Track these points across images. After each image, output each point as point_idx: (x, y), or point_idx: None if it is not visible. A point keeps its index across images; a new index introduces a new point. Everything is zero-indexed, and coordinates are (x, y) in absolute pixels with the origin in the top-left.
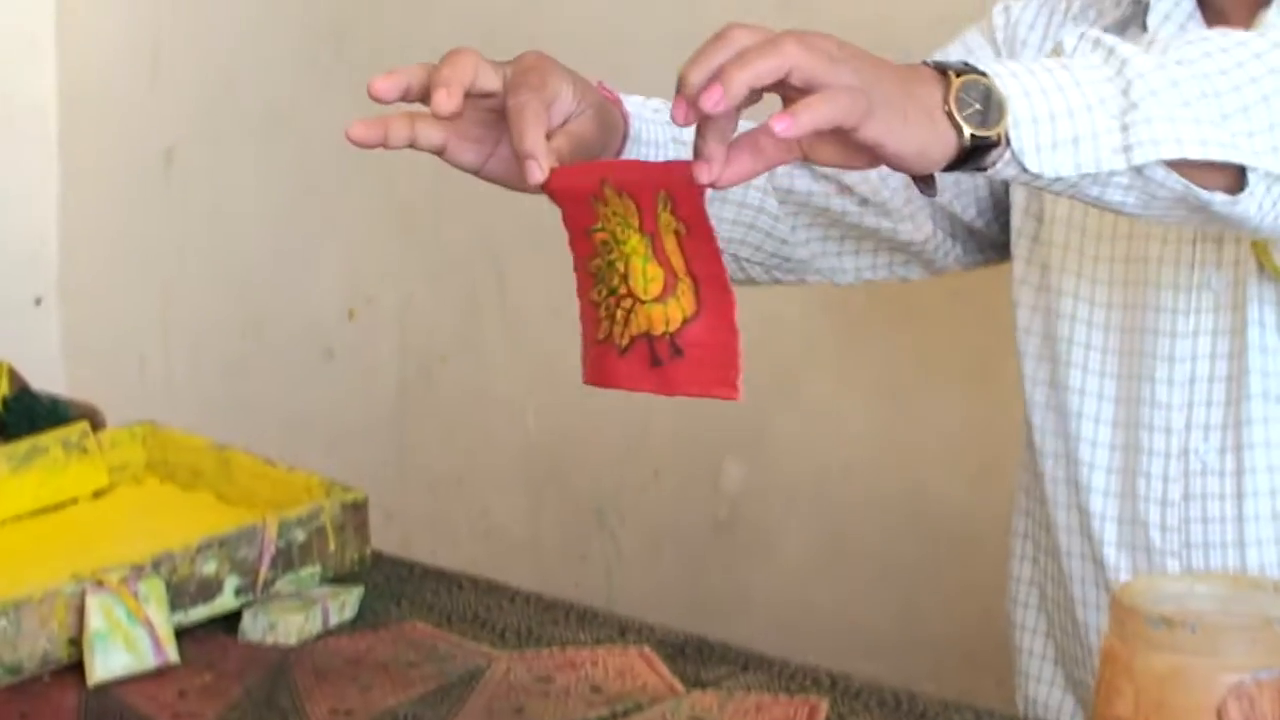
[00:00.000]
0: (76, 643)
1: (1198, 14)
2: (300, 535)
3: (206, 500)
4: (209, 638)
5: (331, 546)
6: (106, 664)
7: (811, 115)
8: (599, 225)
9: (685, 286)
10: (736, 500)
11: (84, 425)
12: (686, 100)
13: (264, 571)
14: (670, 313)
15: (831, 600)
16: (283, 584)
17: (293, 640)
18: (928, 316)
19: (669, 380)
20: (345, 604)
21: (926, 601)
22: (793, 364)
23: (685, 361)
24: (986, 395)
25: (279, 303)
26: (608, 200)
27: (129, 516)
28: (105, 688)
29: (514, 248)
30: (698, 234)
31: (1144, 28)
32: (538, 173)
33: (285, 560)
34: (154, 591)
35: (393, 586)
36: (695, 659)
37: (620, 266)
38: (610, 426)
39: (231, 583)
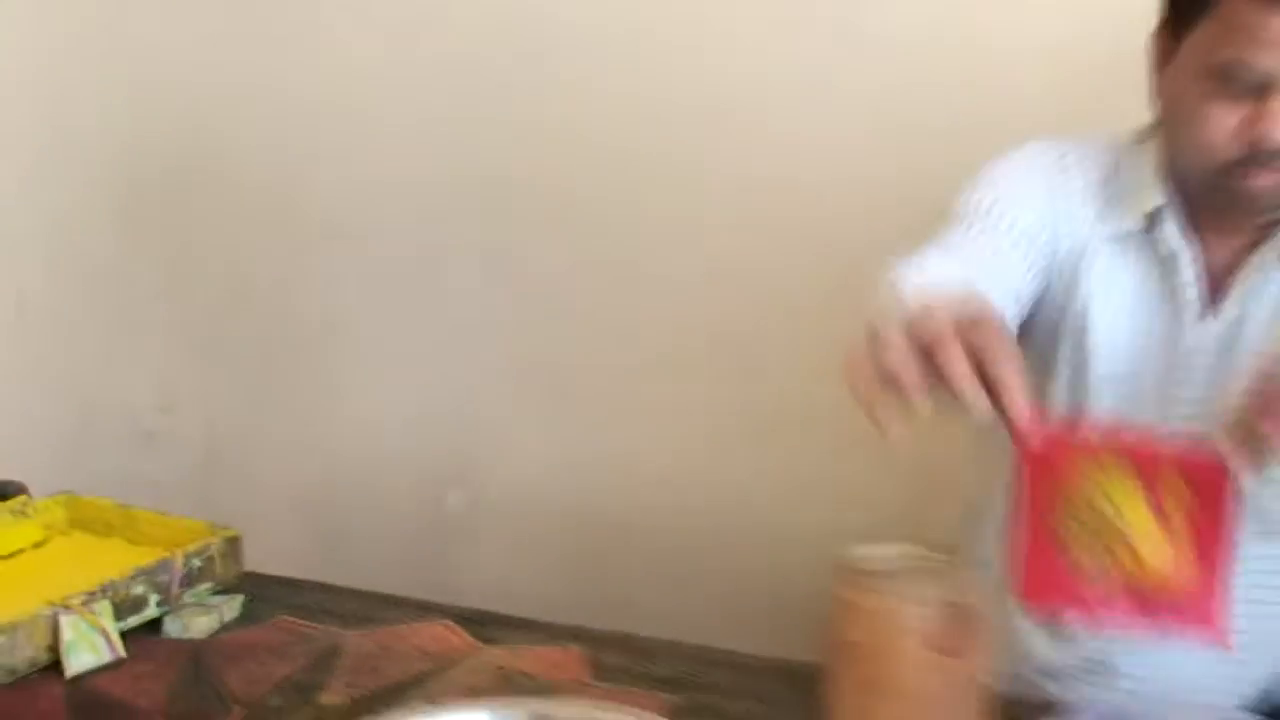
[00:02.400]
0: (54, 649)
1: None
2: (198, 562)
3: (119, 544)
4: (143, 638)
5: (219, 569)
6: (78, 662)
7: None
8: (1088, 485)
9: (1186, 556)
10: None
11: (24, 496)
12: None
13: (175, 589)
14: (1167, 574)
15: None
16: (188, 597)
17: (201, 635)
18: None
19: (1159, 622)
20: (233, 607)
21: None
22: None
23: (1176, 610)
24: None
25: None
26: (1104, 466)
27: (63, 559)
28: (79, 679)
29: None
30: (1211, 516)
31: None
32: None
33: (189, 580)
34: (105, 609)
35: (263, 593)
36: (483, 626)
37: (1118, 528)
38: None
39: (154, 598)
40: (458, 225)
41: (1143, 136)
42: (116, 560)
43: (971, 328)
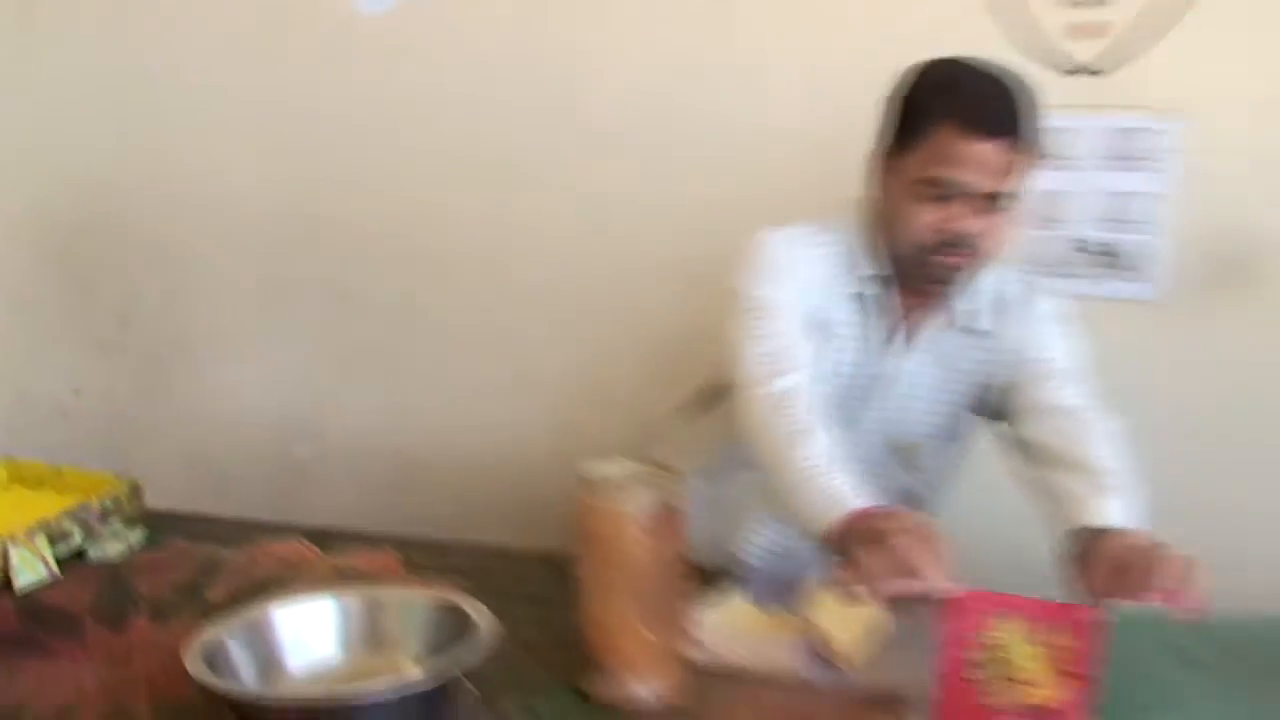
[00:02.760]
0: (5, 572)
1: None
2: (110, 504)
3: (50, 494)
4: (73, 562)
5: (126, 508)
6: (24, 581)
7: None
8: (991, 633)
9: (1053, 681)
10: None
11: None
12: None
13: (95, 524)
14: (1044, 694)
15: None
16: (105, 530)
17: (116, 557)
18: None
19: None
20: (139, 536)
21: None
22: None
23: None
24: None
25: None
26: (1003, 620)
27: (8, 507)
28: (26, 594)
29: None
30: (1080, 649)
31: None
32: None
33: (104, 517)
34: (43, 541)
35: (160, 524)
36: (325, 540)
37: (1010, 663)
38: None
39: (79, 532)
40: (303, 251)
41: (859, 217)
42: (49, 505)
43: (901, 535)
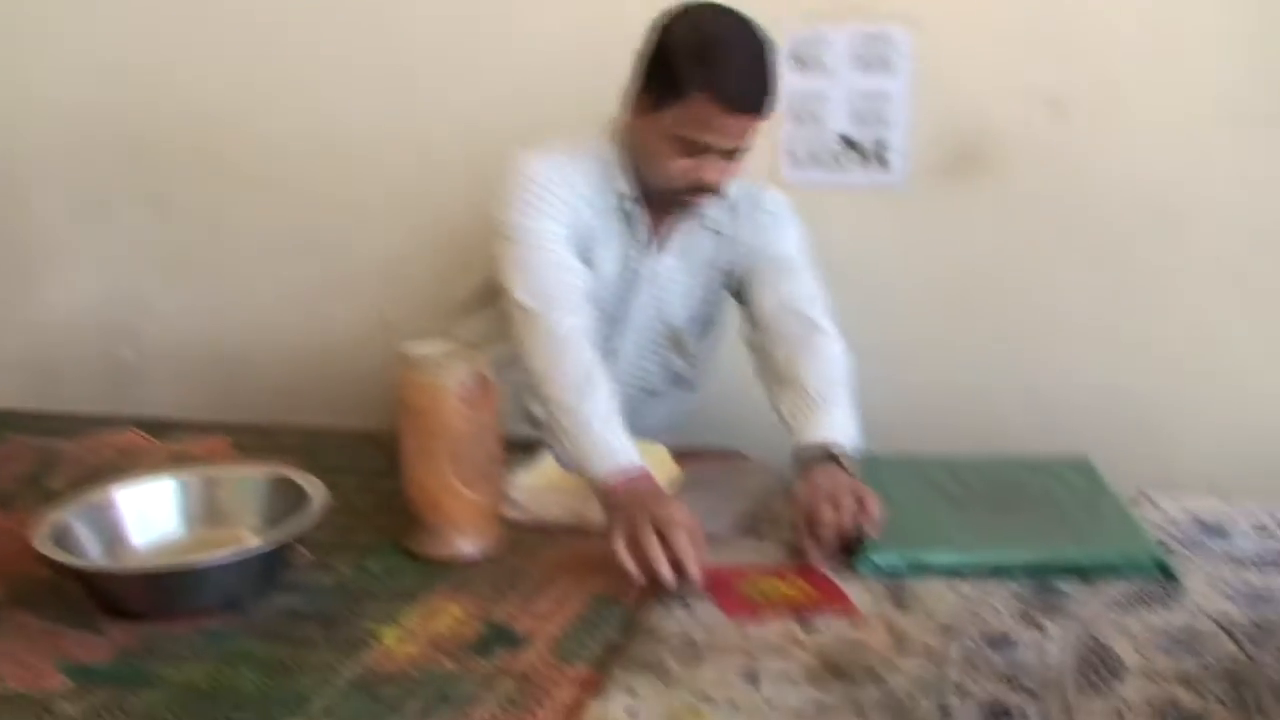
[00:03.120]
0: None
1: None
2: None
3: None
4: None
5: None
6: None
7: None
8: (749, 582)
9: (809, 589)
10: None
11: None
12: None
13: None
14: (803, 598)
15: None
16: None
17: None
18: None
19: (810, 611)
20: None
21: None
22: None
23: (820, 605)
24: None
25: None
26: (751, 578)
27: None
28: None
29: None
30: (813, 576)
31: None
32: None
33: None
34: None
35: (4, 421)
36: (160, 430)
37: (769, 588)
38: None
39: None
40: (119, 163)
41: (612, 137)
42: None
43: (663, 525)
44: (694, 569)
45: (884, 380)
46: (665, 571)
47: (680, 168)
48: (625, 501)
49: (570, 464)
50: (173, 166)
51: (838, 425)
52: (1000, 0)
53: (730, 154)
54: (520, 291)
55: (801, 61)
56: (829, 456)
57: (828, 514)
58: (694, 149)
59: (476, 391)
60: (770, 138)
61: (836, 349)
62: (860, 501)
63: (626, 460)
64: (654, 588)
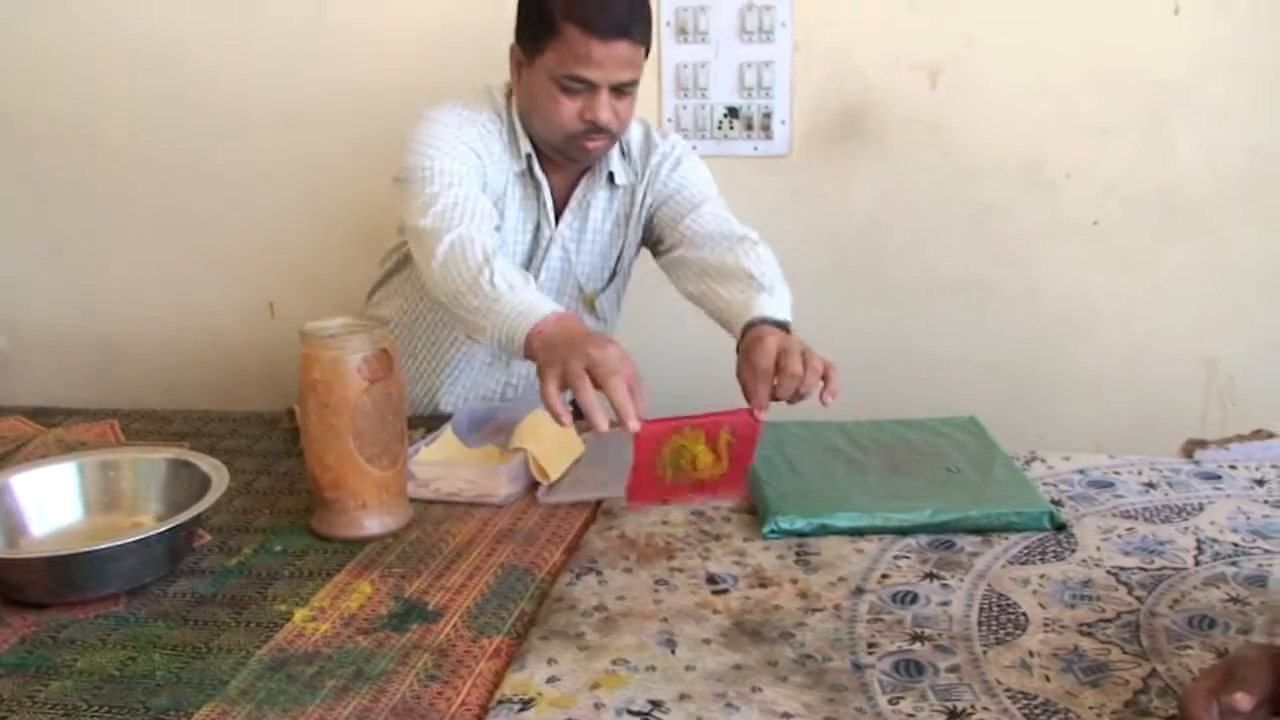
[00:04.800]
0: None
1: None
2: None
3: None
4: None
5: None
6: None
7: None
8: (677, 440)
9: (724, 460)
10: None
11: None
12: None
13: None
14: (714, 472)
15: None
16: None
17: None
18: None
19: (712, 492)
20: None
21: None
22: None
23: (720, 486)
24: None
25: None
26: (684, 433)
27: None
28: None
29: None
30: (743, 441)
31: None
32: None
33: None
34: None
35: None
36: (45, 417)
37: (686, 456)
38: None
39: None
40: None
41: (508, 100)
42: None
43: (596, 364)
44: (632, 422)
45: None
46: (601, 421)
47: (570, 111)
48: (557, 342)
49: (496, 340)
50: (47, 146)
51: (785, 307)
52: None
53: (618, 91)
54: (422, 220)
55: (684, 32)
56: (785, 329)
57: (795, 365)
58: (578, 88)
59: (378, 366)
60: (655, 109)
61: (770, 254)
62: (825, 370)
63: (547, 308)
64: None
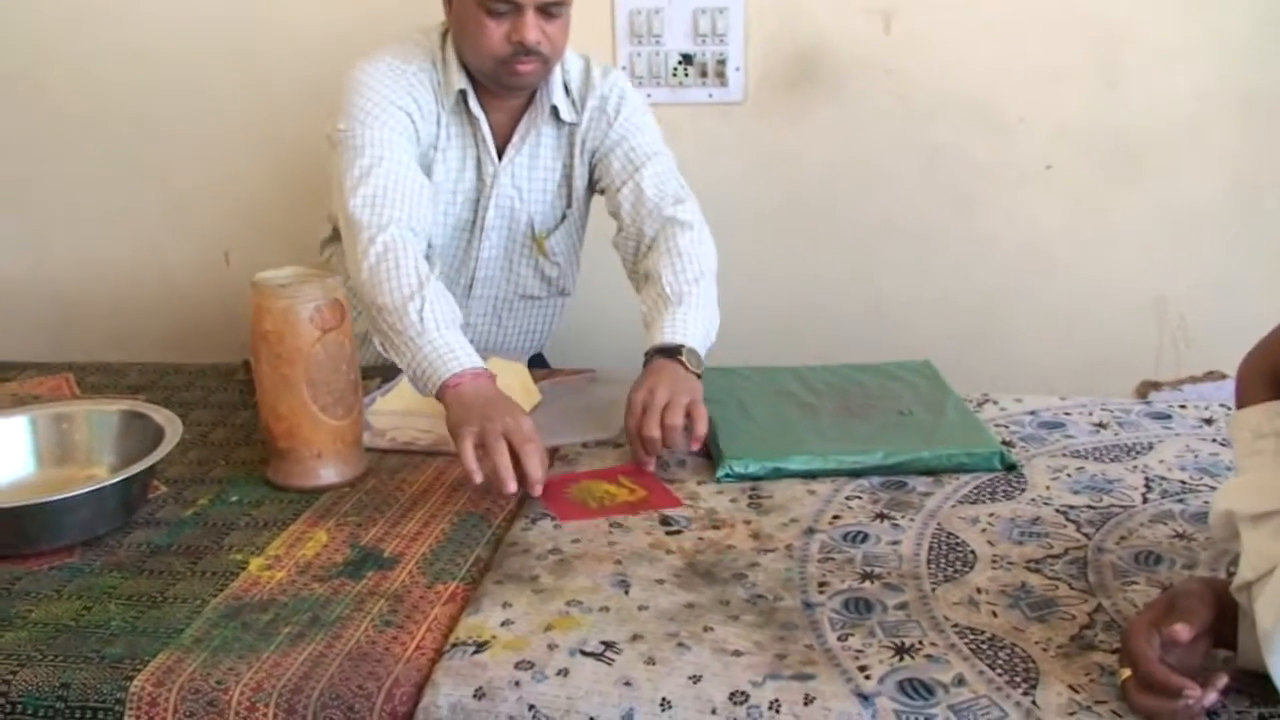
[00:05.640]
0: None
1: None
2: None
3: None
4: None
5: None
6: None
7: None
8: (579, 486)
9: (638, 489)
10: None
11: None
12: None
13: None
14: (632, 498)
15: None
16: None
17: None
18: None
19: (645, 509)
20: None
21: None
22: None
23: (650, 505)
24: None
25: None
26: (580, 483)
27: None
28: None
29: None
30: (641, 477)
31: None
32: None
33: None
34: None
35: None
36: None
37: (600, 491)
38: None
39: None
40: None
41: (444, 37)
42: None
43: (513, 432)
44: (538, 488)
45: (731, 296)
46: (511, 485)
47: (498, 35)
48: (473, 404)
49: (410, 372)
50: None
51: (687, 323)
52: None
53: (545, 13)
54: (352, 202)
55: None
56: (671, 355)
57: (652, 425)
58: (502, 9)
59: (330, 315)
60: (610, 57)
61: (693, 238)
62: (689, 412)
63: (469, 361)
64: (489, 493)
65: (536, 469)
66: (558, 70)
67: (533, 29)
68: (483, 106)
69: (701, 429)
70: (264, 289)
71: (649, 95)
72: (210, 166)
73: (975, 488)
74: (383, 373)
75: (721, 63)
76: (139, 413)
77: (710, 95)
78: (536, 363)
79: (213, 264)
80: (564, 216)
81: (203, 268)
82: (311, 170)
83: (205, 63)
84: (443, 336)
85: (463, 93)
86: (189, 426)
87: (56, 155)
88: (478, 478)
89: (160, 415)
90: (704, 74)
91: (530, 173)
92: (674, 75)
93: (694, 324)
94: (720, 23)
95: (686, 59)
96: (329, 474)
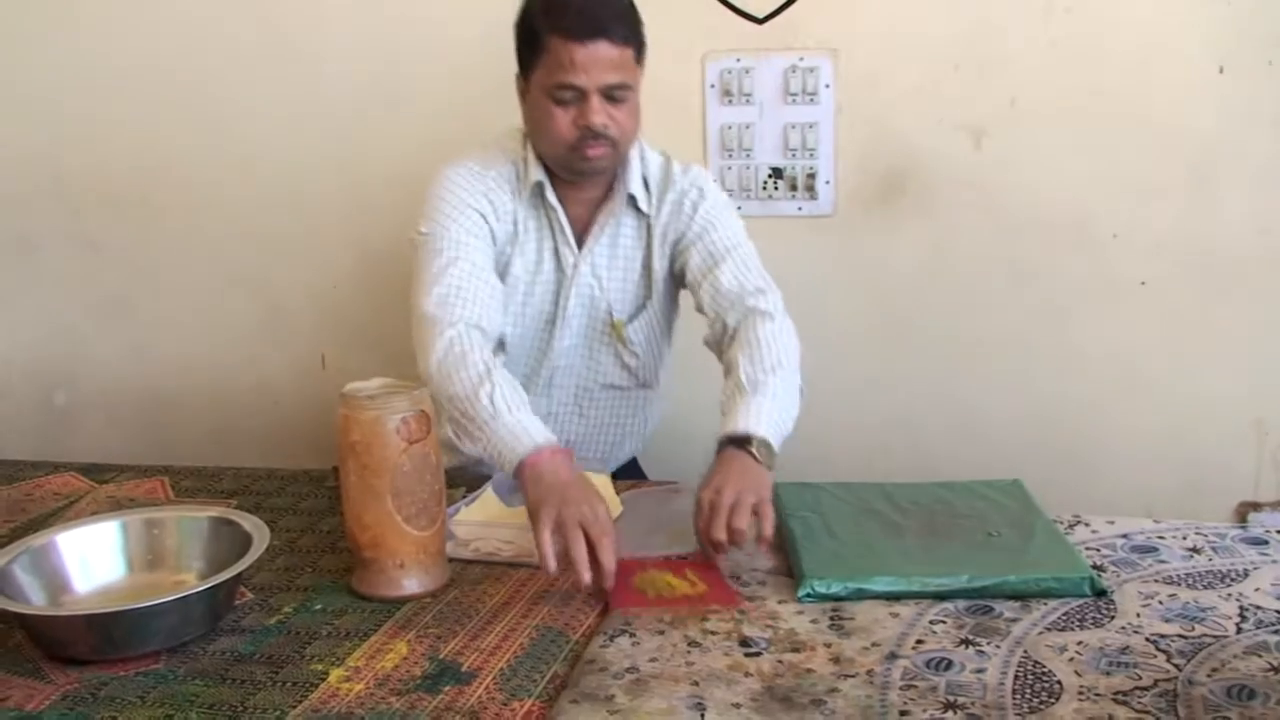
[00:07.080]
0: None
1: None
2: None
3: None
4: None
5: None
6: None
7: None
8: (644, 575)
9: (700, 584)
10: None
11: None
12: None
13: None
14: (693, 592)
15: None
16: None
17: None
18: None
19: (703, 604)
20: None
21: None
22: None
23: (709, 600)
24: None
25: None
26: (647, 571)
27: None
28: None
29: None
30: (706, 572)
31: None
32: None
33: None
34: None
35: None
36: (97, 473)
37: (661, 583)
38: None
39: None
40: (46, 203)
41: (525, 137)
42: None
43: (590, 524)
44: (610, 579)
45: (816, 412)
46: (586, 576)
47: (565, 121)
48: (552, 484)
49: (487, 457)
50: (102, 207)
51: (760, 413)
52: (919, 31)
53: (608, 95)
54: (425, 300)
55: (728, 94)
56: (741, 445)
57: (719, 529)
58: (568, 96)
59: (417, 427)
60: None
61: (772, 329)
62: (756, 512)
63: (542, 437)
64: (562, 577)
65: (610, 562)
66: (636, 162)
67: (598, 112)
68: (560, 198)
69: (768, 531)
70: (352, 400)
71: (739, 207)
72: (310, 274)
73: (1064, 614)
74: (468, 482)
75: (811, 176)
76: (228, 519)
77: (800, 208)
78: (631, 472)
79: (309, 369)
80: (643, 305)
81: (299, 373)
82: (403, 274)
83: (307, 178)
84: (515, 417)
85: (539, 184)
86: (278, 533)
87: (160, 264)
88: (553, 567)
89: (249, 522)
90: (794, 187)
91: (610, 261)
92: (764, 188)
93: (767, 414)
94: (810, 137)
95: (776, 172)
96: (411, 584)
